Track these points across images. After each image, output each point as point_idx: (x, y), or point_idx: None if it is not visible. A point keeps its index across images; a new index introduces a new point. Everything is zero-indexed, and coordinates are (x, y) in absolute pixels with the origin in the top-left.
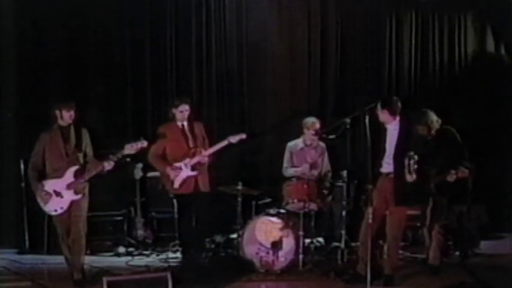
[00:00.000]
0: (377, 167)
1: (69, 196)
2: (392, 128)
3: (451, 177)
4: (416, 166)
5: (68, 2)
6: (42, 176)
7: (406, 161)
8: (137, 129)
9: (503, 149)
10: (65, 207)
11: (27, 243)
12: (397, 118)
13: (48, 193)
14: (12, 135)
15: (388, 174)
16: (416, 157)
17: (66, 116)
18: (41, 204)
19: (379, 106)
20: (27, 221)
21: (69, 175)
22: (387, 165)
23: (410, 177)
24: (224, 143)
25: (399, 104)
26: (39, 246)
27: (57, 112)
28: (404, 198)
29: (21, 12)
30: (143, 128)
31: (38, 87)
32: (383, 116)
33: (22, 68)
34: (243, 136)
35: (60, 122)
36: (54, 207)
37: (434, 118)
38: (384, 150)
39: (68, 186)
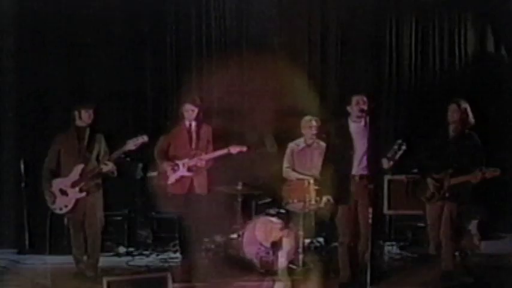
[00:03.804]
0: (347, 169)
1: (73, 194)
2: (361, 129)
3: (476, 179)
4: (400, 155)
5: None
6: (55, 176)
7: (395, 147)
8: (137, 129)
9: (502, 149)
10: (70, 205)
11: (27, 243)
12: (366, 118)
13: (53, 192)
14: (12, 135)
15: (360, 176)
16: (404, 147)
17: (85, 116)
18: (49, 203)
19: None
20: (27, 221)
21: (74, 173)
22: (357, 167)
23: (387, 164)
24: (224, 151)
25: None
26: (39, 246)
27: (76, 113)
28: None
29: (22, 11)
30: (143, 127)
31: (38, 87)
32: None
33: (22, 68)
34: (244, 149)
35: (78, 123)
36: (59, 205)
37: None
38: (353, 151)
39: (73, 185)
